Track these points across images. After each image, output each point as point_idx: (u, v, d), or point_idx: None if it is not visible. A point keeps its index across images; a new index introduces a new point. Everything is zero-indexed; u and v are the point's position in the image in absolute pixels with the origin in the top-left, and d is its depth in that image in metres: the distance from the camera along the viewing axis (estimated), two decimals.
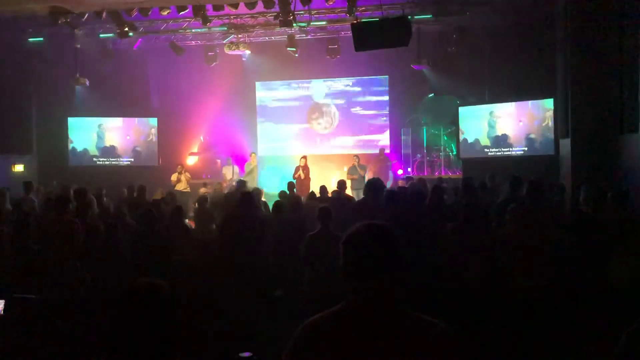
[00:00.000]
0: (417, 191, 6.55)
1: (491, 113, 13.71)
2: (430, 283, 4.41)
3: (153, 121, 16.13)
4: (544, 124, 12.95)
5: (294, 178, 13.44)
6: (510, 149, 13.45)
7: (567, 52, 11.01)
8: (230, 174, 14.77)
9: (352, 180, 13.32)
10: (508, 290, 4.64)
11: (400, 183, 12.90)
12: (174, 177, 13.73)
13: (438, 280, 4.62)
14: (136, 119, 16.15)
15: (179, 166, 14.13)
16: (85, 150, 15.87)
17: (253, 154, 14.44)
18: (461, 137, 14.15)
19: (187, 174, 14.02)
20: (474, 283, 4.64)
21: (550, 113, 12.66)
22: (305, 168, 13.63)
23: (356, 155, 14.13)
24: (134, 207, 8.26)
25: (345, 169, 14.27)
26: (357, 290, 1.92)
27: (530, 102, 13.25)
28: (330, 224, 5.39)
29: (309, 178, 13.56)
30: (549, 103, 12.75)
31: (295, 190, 10.40)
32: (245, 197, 6.97)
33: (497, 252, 4.88)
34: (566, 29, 11.01)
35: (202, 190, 13.09)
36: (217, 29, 14.30)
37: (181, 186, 13.59)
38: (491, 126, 13.75)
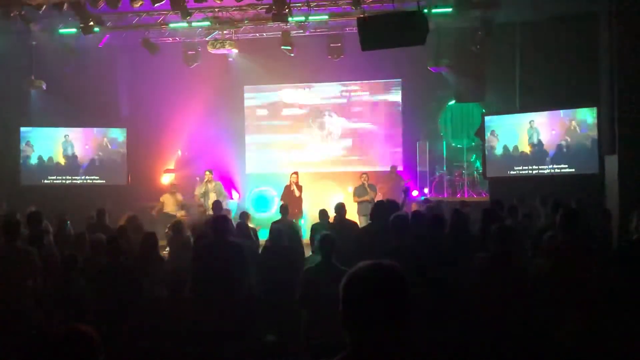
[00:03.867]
0: (438, 217, 6.52)
1: (531, 122, 13.69)
2: (454, 327, 4.38)
3: (114, 132, 16.14)
4: (583, 138, 12.97)
5: (284, 196, 13.32)
6: (547, 167, 13.45)
7: (613, 52, 11.05)
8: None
9: (360, 203, 13.30)
10: (544, 336, 4.60)
11: (414, 206, 12.84)
12: (162, 198, 13.89)
13: (462, 324, 4.59)
14: (95, 129, 16.14)
15: (173, 185, 14.23)
16: (41, 167, 15.81)
17: (207, 172, 14.14)
18: (487, 152, 14.15)
19: (179, 195, 14.06)
20: (505, 326, 4.61)
21: (592, 124, 12.71)
22: (298, 186, 13.56)
23: (365, 173, 14.04)
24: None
25: (350, 189, 14.23)
26: (357, 342, 1.93)
27: (563, 111, 13.30)
28: (332, 255, 5.37)
29: (302, 198, 13.49)
30: (590, 113, 12.78)
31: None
32: (217, 223, 6.80)
33: (530, 291, 4.85)
34: (612, 24, 11.06)
35: (180, 214, 13.10)
36: (199, 23, 14.35)
37: (169, 207, 13.61)
38: (526, 138, 13.73)
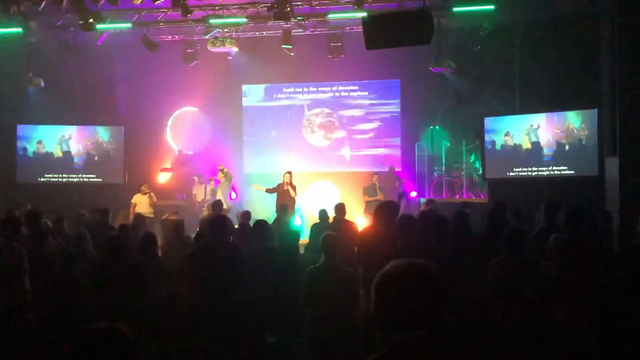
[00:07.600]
0: (442, 218, 6.51)
1: (531, 125, 13.69)
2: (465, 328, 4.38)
3: (102, 131, 16.13)
4: (582, 139, 12.98)
5: (273, 191, 13.28)
6: (547, 169, 13.45)
7: (614, 53, 11.06)
8: (202, 194, 14.66)
9: (368, 203, 13.38)
10: (553, 338, 4.60)
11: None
12: (133, 200, 13.46)
13: (472, 325, 4.59)
14: (88, 127, 16.14)
15: (144, 185, 13.71)
16: (37, 164, 15.77)
17: (222, 168, 14.14)
18: (487, 153, 14.14)
19: (153, 196, 13.64)
20: (514, 329, 4.61)
21: (592, 125, 12.71)
22: (292, 186, 13.51)
23: (376, 173, 14.24)
24: (96, 233, 8.25)
25: (349, 189, 14.24)
26: (392, 343, 1.90)
27: (562, 112, 13.30)
28: (337, 255, 5.35)
29: (294, 198, 13.45)
30: (589, 115, 12.79)
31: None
32: (215, 222, 6.67)
33: (537, 293, 4.86)
34: (613, 24, 11.07)
35: (174, 217, 12.92)
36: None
37: (142, 209, 13.07)
38: (527, 140, 13.73)
